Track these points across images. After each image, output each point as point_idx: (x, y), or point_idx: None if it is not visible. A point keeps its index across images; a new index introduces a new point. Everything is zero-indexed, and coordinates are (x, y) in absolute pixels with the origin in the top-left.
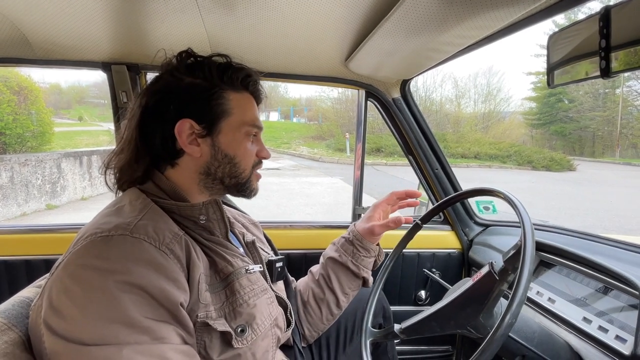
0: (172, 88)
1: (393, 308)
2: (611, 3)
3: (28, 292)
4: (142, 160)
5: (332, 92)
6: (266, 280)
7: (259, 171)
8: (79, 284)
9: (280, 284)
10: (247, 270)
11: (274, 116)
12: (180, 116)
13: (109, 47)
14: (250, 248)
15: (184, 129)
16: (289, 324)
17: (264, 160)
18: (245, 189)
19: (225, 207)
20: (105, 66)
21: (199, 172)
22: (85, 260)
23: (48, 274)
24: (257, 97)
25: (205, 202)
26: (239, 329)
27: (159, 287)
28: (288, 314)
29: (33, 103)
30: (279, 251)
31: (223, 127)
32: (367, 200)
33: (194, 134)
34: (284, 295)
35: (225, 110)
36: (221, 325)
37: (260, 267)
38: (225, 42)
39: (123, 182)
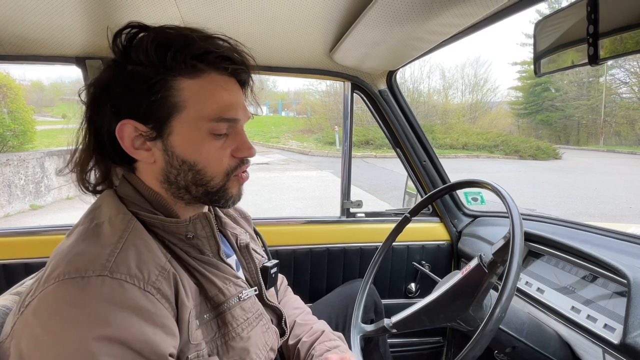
0: (108, 81)
1: (384, 301)
2: None
3: (4, 300)
4: (102, 164)
5: (321, 85)
6: (261, 294)
7: (248, 170)
8: (51, 337)
9: (272, 290)
10: (240, 297)
11: (262, 110)
12: (120, 117)
13: (82, 41)
14: (244, 253)
15: (126, 132)
16: (282, 333)
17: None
18: (219, 198)
19: None
20: (79, 61)
21: (159, 180)
22: (58, 308)
23: (16, 307)
24: (236, 76)
25: (192, 217)
26: None
27: (143, 339)
28: (283, 324)
29: (13, 101)
30: (268, 248)
31: (175, 126)
32: (357, 194)
33: (141, 136)
34: (276, 301)
35: (175, 104)
36: None
37: (256, 290)
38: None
39: (92, 186)
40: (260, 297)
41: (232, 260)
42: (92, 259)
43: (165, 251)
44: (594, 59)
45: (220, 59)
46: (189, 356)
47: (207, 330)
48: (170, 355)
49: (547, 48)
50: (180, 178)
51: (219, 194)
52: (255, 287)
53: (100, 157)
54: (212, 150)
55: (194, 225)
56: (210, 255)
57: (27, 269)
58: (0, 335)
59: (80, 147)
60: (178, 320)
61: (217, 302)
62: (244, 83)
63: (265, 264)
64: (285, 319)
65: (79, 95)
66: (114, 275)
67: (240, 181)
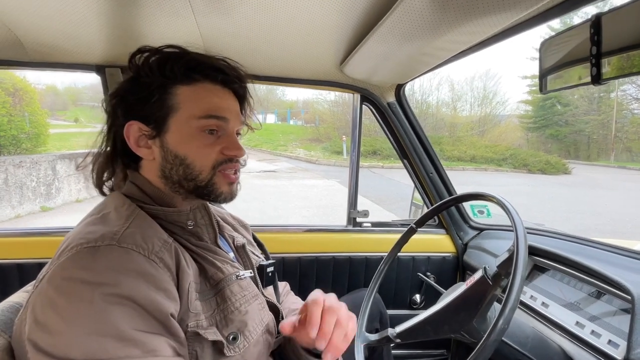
0: (121, 91)
1: (388, 312)
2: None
3: (18, 297)
4: (115, 164)
5: (329, 95)
6: (257, 285)
7: (247, 171)
8: (65, 297)
9: (270, 289)
10: (237, 276)
11: (271, 118)
12: (128, 119)
13: (103, 50)
14: (241, 252)
15: (132, 131)
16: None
17: (243, 160)
18: (208, 193)
19: (215, 207)
20: (99, 69)
21: (158, 175)
22: (71, 273)
23: (31, 286)
24: (229, 87)
25: (192, 207)
26: (231, 337)
27: (149, 298)
28: (280, 319)
29: (28, 104)
30: (273, 255)
31: (171, 124)
32: (364, 203)
33: (143, 135)
34: (275, 300)
35: (172, 106)
36: (212, 334)
37: (251, 273)
38: (220, 45)
39: (104, 185)
40: None
41: (230, 256)
42: (101, 235)
43: (168, 234)
44: (596, 79)
45: (211, 69)
46: (189, 324)
47: (207, 307)
48: (172, 316)
49: (552, 67)
50: (173, 172)
51: (207, 188)
52: (251, 270)
53: (114, 159)
54: (201, 145)
55: (194, 214)
56: (209, 242)
57: (40, 268)
58: (14, 329)
59: (102, 150)
60: (179, 288)
61: (216, 280)
62: (240, 96)
63: (261, 263)
64: (282, 316)
65: (102, 105)
66: (121, 244)
67: (228, 180)
